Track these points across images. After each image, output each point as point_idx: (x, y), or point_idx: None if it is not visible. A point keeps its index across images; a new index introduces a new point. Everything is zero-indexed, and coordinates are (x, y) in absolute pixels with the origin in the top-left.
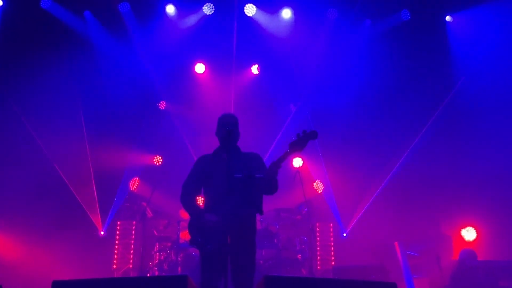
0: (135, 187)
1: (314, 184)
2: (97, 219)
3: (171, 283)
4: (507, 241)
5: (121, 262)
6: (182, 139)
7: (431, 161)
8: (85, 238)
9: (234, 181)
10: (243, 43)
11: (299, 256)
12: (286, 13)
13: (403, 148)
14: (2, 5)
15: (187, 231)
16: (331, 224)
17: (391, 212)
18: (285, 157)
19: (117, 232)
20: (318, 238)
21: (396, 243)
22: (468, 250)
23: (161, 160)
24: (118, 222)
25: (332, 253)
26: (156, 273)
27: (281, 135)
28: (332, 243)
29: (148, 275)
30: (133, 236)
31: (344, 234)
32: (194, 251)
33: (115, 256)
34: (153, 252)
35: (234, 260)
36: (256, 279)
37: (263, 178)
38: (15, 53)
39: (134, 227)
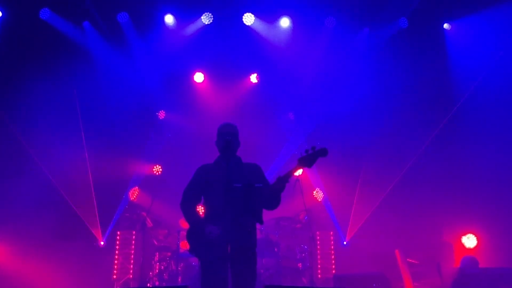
0: (134, 197)
1: (314, 192)
2: (97, 230)
3: None
4: (508, 248)
5: (121, 273)
6: (182, 148)
7: (431, 169)
8: (85, 249)
9: (234, 191)
10: (242, 52)
11: (300, 265)
12: (285, 22)
13: (404, 156)
14: (1, 16)
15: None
16: (331, 233)
17: (391, 220)
18: (293, 173)
19: (117, 242)
20: (318, 247)
21: (396, 251)
22: (470, 257)
23: (160, 169)
24: (118, 232)
25: (333, 261)
26: (157, 283)
27: (281, 144)
28: (333, 252)
29: (148, 285)
30: (133, 246)
31: (345, 243)
32: (195, 261)
33: (115, 267)
34: (153, 262)
35: (234, 270)
36: None
37: (262, 188)
38: (14, 64)
39: (134, 237)
